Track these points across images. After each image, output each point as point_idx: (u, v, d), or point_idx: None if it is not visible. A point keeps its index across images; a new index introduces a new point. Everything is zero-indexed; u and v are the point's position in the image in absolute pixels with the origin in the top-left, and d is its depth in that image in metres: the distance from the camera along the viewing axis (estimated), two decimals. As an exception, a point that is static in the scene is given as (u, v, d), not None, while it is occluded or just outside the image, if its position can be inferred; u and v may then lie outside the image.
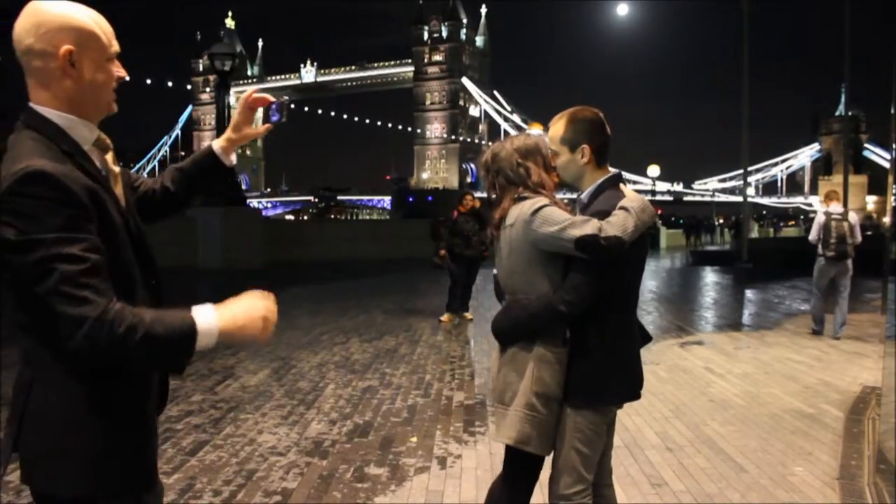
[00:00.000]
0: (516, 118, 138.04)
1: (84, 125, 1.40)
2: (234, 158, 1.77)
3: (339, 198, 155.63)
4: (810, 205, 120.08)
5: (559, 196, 2.28)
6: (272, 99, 1.76)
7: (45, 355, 1.33)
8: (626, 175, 2.28)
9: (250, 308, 1.39)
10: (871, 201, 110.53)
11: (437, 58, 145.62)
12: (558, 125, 2.19)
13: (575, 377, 2.12)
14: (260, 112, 1.81)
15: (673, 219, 48.59)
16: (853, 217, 7.78)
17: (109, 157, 1.48)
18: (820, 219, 7.70)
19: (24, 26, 1.34)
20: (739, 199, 23.22)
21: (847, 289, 7.71)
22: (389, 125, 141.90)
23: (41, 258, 1.24)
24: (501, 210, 2.23)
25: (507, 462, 2.28)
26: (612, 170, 2.22)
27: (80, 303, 1.24)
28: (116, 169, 1.50)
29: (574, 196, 2.32)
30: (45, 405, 1.34)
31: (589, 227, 1.98)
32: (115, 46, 1.43)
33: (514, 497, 2.27)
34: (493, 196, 2.30)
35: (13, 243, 1.24)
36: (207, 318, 1.33)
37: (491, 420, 4.28)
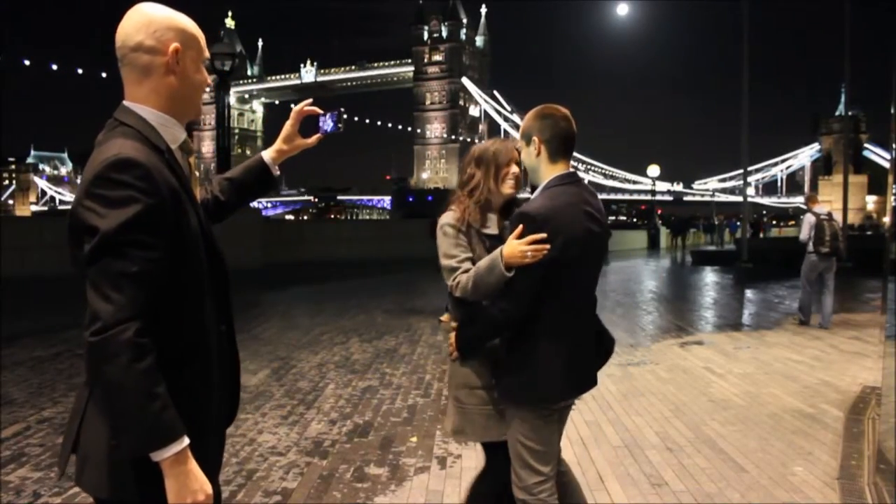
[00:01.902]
0: (516, 118, 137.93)
1: (175, 125, 1.45)
2: (277, 169, 1.81)
3: (339, 198, 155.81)
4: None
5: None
6: (320, 111, 1.82)
7: None
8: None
9: (193, 488, 1.29)
10: (870, 201, 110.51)
11: (437, 58, 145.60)
12: (523, 123, 2.25)
13: (509, 374, 2.15)
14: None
15: (672, 219, 49.44)
16: (838, 217, 8.68)
17: (192, 160, 1.51)
18: (811, 219, 8.40)
19: (133, 25, 1.39)
20: (739, 198, 23.20)
21: (832, 282, 8.43)
22: (389, 125, 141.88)
23: (99, 244, 1.24)
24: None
25: (484, 452, 2.40)
26: (571, 169, 2.19)
27: (104, 300, 1.23)
28: (196, 173, 1.54)
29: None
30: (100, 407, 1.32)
31: (450, 278, 2.16)
32: (207, 53, 1.50)
33: (488, 483, 2.38)
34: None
35: (91, 228, 1.25)
36: (182, 445, 1.27)
37: None
